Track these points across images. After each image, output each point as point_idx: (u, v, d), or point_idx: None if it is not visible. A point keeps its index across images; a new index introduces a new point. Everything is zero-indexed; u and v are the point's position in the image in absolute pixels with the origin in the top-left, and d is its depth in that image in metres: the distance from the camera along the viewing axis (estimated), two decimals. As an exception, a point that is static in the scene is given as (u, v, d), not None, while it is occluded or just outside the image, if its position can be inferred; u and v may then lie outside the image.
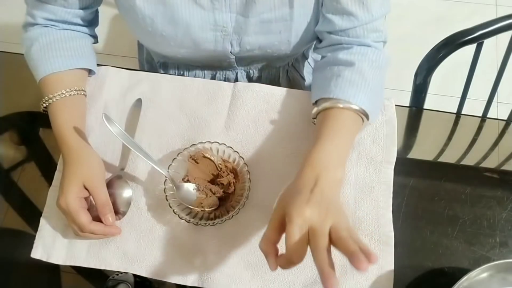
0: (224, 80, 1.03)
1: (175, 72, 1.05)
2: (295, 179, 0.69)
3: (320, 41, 0.89)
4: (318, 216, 0.61)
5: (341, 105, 0.75)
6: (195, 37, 0.87)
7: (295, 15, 0.84)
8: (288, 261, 0.60)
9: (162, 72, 1.07)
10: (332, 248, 0.60)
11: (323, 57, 0.88)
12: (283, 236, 0.63)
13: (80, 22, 0.90)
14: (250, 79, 1.04)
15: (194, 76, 1.04)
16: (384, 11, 0.82)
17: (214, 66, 1.00)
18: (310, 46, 1.07)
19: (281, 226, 0.63)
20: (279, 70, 1.04)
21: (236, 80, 1.03)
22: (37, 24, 0.87)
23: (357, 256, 0.56)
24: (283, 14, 0.84)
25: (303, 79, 1.10)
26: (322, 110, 0.77)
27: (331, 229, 0.60)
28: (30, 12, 0.87)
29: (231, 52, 0.92)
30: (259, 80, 1.04)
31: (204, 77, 1.04)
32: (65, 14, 0.87)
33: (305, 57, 1.09)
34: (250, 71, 1.02)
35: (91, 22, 0.94)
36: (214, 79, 1.03)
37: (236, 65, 0.98)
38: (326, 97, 0.78)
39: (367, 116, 0.77)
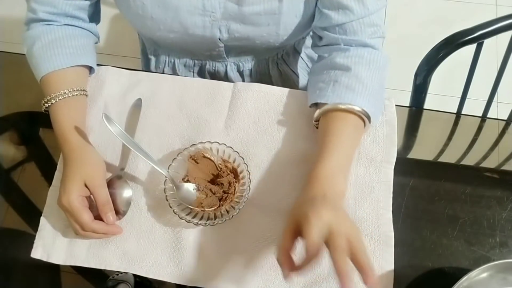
0: (214, 72, 1.04)
1: (165, 60, 1.06)
2: (302, 192, 0.72)
3: (319, 38, 0.89)
4: (336, 219, 0.63)
5: (342, 106, 0.76)
6: (184, 21, 0.88)
7: (284, 9, 0.85)
8: (307, 262, 0.61)
9: (153, 59, 1.08)
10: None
11: (320, 57, 0.89)
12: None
13: (82, 15, 0.90)
14: (239, 71, 1.04)
15: (185, 64, 1.05)
16: (380, 5, 0.82)
17: (205, 55, 1.00)
18: (301, 40, 1.07)
19: (295, 234, 0.65)
20: (268, 61, 1.05)
21: (226, 72, 1.04)
22: (38, 19, 0.87)
23: (370, 274, 0.59)
24: (272, 7, 0.85)
25: (296, 74, 1.11)
26: (323, 113, 0.78)
27: (348, 237, 0.62)
28: (30, 7, 0.87)
29: (219, 39, 0.92)
30: (249, 72, 1.05)
31: (194, 66, 1.05)
32: (66, 6, 0.87)
33: (297, 51, 1.09)
34: (240, 64, 1.03)
35: (92, 17, 0.94)
36: (204, 69, 1.04)
37: (225, 55, 0.99)
38: (324, 102, 0.79)
39: (369, 117, 0.77)
